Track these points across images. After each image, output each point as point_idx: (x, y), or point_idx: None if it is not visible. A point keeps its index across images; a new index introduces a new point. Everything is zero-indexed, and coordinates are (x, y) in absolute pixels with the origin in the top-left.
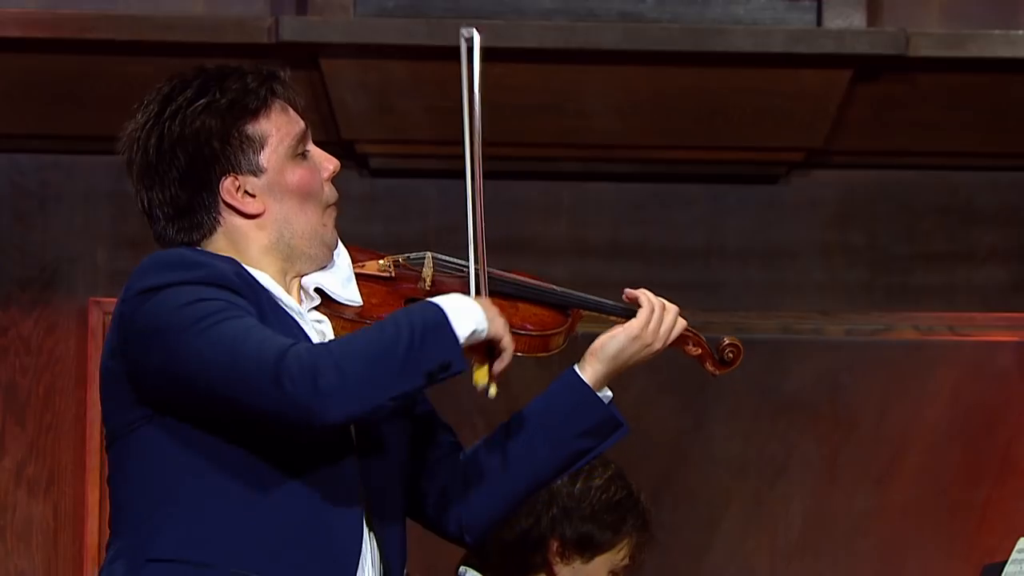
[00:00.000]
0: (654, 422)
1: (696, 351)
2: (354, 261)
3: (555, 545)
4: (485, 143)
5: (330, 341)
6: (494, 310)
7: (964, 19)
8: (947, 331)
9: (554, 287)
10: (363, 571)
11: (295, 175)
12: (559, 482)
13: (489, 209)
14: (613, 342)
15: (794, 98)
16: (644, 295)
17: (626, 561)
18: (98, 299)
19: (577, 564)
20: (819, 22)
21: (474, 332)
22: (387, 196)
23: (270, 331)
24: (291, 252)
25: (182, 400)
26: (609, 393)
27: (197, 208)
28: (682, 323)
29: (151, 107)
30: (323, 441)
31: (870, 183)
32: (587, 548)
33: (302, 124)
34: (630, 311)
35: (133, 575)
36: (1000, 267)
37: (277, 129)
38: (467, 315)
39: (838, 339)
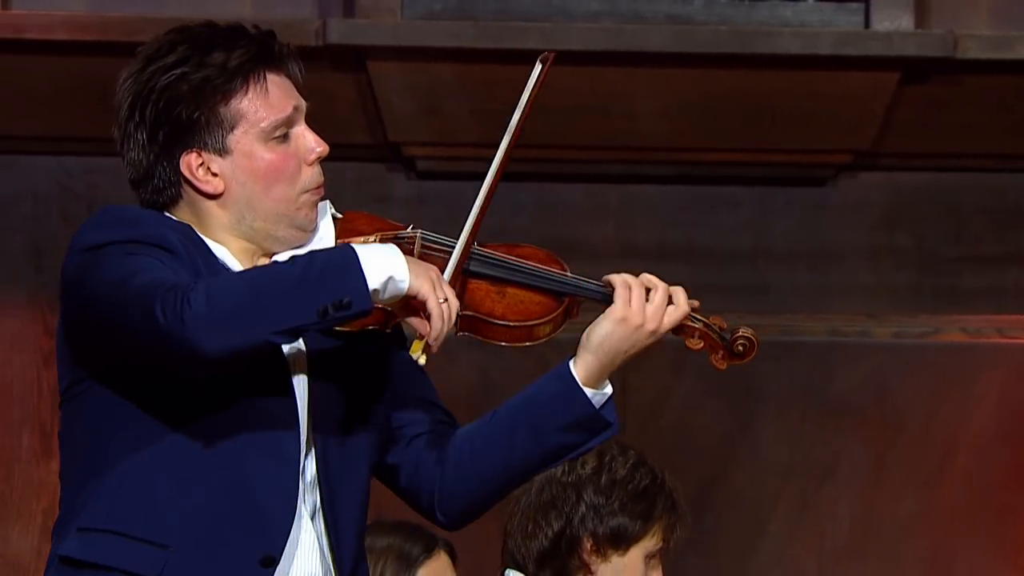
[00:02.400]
0: (701, 425)
1: (699, 344)
2: (348, 234)
3: (589, 544)
4: (533, 146)
5: (225, 274)
6: (424, 267)
7: (1012, 21)
8: (995, 334)
9: (551, 271)
10: (297, 555)
11: (263, 160)
12: (583, 479)
13: (535, 211)
14: (597, 329)
15: (842, 100)
16: (618, 276)
17: (660, 544)
18: None
19: (615, 559)
20: (867, 24)
21: (390, 279)
22: (434, 198)
23: (178, 272)
24: (254, 234)
25: (95, 353)
26: (608, 389)
27: (158, 175)
28: (683, 306)
29: (136, 63)
30: (262, 414)
31: (918, 185)
32: (621, 541)
33: (287, 108)
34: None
35: (62, 543)
36: None
37: (253, 111)
38: (384, 262)
39: (886, 341)
